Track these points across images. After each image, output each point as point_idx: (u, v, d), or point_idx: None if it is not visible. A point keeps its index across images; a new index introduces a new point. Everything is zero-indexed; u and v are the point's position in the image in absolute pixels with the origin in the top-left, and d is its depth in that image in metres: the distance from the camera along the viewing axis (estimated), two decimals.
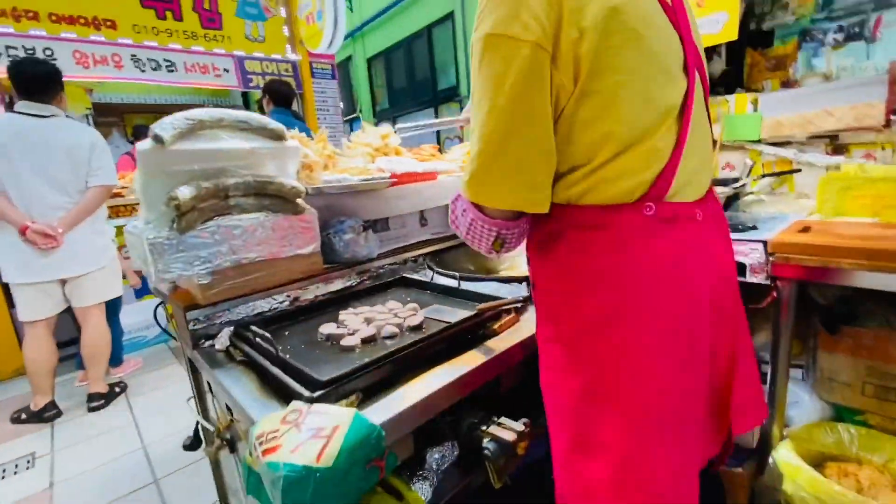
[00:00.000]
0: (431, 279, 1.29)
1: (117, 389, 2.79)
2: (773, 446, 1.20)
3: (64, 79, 2.41)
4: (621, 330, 0.66)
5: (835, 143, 1.40)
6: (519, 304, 0.97)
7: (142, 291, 3.73)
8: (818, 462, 1.21)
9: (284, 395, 0.78)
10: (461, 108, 6.66)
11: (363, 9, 7.78)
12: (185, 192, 0.91)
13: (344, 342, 0.94)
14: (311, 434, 0.64)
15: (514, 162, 0.62)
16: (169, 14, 3.59)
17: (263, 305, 1.23)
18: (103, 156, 2.44)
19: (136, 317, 3.43)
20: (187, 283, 1.03)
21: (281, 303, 1.26)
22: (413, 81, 7.56)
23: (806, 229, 1.16)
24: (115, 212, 3.23)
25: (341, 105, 4.87)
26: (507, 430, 0.78)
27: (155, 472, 2.03)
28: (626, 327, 0.65)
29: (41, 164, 2.27)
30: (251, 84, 4.07)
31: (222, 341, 1.01)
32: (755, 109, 1.58)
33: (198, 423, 1.28)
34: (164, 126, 0.90)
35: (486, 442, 0.79)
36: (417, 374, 0.83)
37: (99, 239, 2.55)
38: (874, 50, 1.39)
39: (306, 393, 0.72)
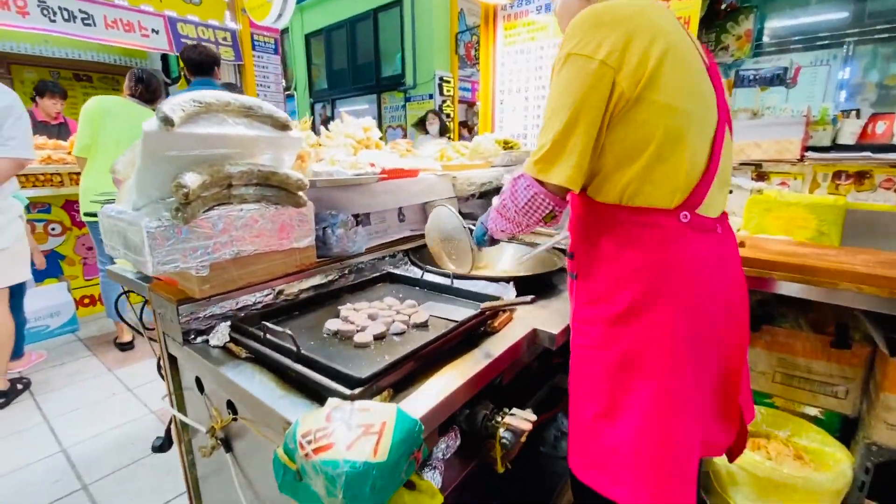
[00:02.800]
0: (421, 276, 1.33)
1: (19, 386, 2.46)
2: None
3: None
4: (656, 314, 0.82)
5: (758, 171, 1.66)
6: (527, 303, 1.03)
7: (42, 275, 3.27)
8: None
9: (313, 393, 0.78)
10: (405, 98, 6.58)
11: None
12: (192, 180, 0.86)
13: (357, 339, 0.95)
14: (361, 431, 0.67)
15: (572, 149, 0.79)
16: None
17: (248, 299, 1.18)
18: (19, 124, 2.11)
19: (37, 303, 3.01)
20: (181, 274, 0.97)
21: (266, 296, 1.21)
22: (355, 64, 7.33)
23: (741, 244, 1.38)
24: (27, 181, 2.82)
25: (283, 82, 4.60)
26: (522, 420, 0.86)
27: (82, 478, 1.83)
28: (660, 312, 0.82)
29: None
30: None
31: (219, 337, 0.97)
32: None
33: (169, 424, 1.20)
34: (173, 107, 0.83)
35: (502, 431, 0.86)
36: (437, 370, 0.88)
37: (1, 216, 2.21)
38: (792, 94, 1.66)
39: (346, 391, 0.73)
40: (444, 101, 6.28)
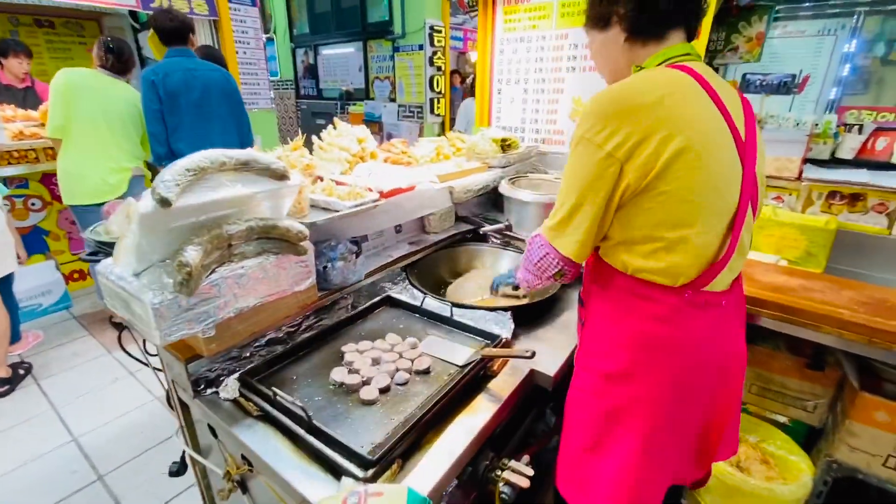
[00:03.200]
0: (421, 303, 1.35)
1: (21, 371, 2.50)
2: None
3: None
4: (649, 378, 0.88)
5: None
6: (527, 357, 1.05)
7: (28, 251, 3.20)
8: None
9: (328, 466, 0.83)
10: (393, 47, 6.22)
11: None
12: (193, 256, 0.85)
13: (363, 395, 0.98)
14: None
15: (577, 226, 0.85)
16: None
17: (253, 342, 1.20)
18: None
19: (27, 282, 2.99)
20: (189, 337, 0.97)
21: (269, 339, 1.23)
22: (338, 8, 6.80)
23: None
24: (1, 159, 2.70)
25: (263, 37, 4.29)
26: (520, 475, 0.93)
27: (97, 468, 1.93)
28: (652, 376, 0.88)
29: None
30: (152, 5, 3.39)
31: (229, 391, 1.00)
32: None
33: (183, 453, 1.26)
34: (167, 185, 0.80)
35: (502, 486, 0.93)
36: (442, 428, 0.93)
37: None
38: (796, 103, 1.62)
39: (360, 473, 0.78)
40: (434, 53, 5.95)
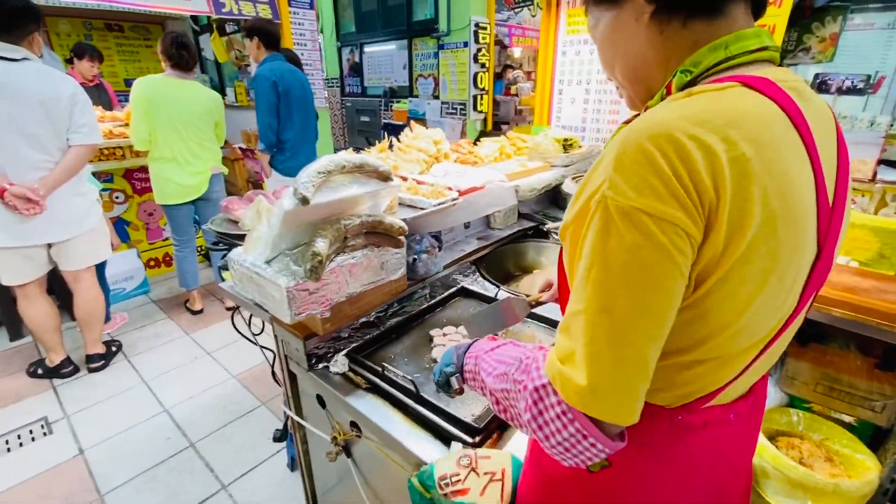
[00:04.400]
0: (496, 295, 1.45)
1: (114, 349, 2.77)
2: None
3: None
4: None
5: None
6: None
7: None
8: (772, 436, 1.61)
9: (435, 432, 0.95)
10: (438, 45, 6.32)
11: None
12: (323, 246, 0.98)
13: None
14: (488, 478, 0.83)
15: (637, 367, 0.47)
16: None
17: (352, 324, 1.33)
18: (86, 111, 2.20)
19: (113, 269, 3.28)
20: (309, 317, 1.12)
21: (364, 322, 1.35)
22: (384, 7, 6.96)
23: None
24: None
25: (319, 38, 4.48)
26: None
27: (188, 436, 2.15)
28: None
29: (15, 117, 2.02)
30: (224, 10, 3.62)
31: (339, 366, 1.14)
32: None
33: (286, 419, 1.42)
34: (306, 185, 0.93)
35: None
36: None
37: (81, 201, 2.37)
38: (871, 103, 1.62)
39: (469, 439, 0.89)
40: (479, 50, 6.01)
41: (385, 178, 1.13)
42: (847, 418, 1.57)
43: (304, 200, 0.92)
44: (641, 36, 0.56)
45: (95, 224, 2.45)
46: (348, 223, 1.07)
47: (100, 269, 2.73)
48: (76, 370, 2.58)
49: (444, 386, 0.79)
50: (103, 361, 2.65)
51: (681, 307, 0.48)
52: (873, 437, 1.53)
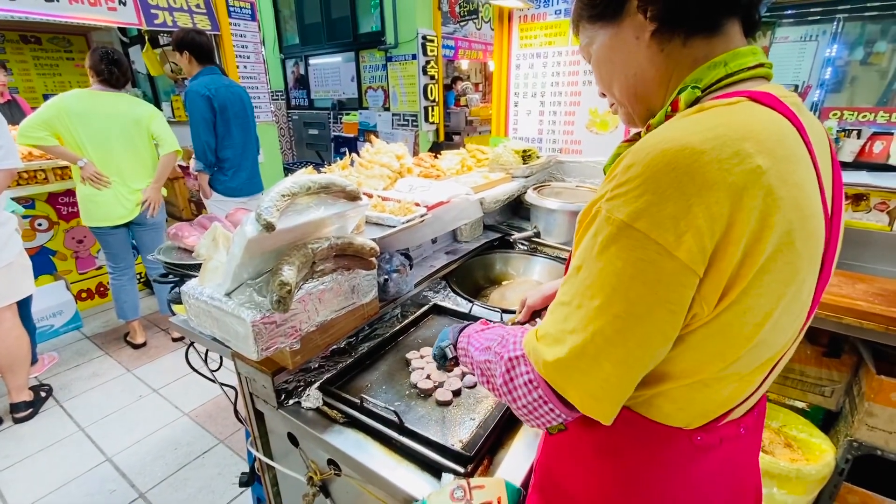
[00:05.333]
0: (470, 311, 1.42)
1: (42, 394, 2.49)
2: None
3: None
4: None
5: None
6: None
7: (35, 272, 3.17)
8: None
9: (423, 464, 0.90)
10: (386, 57, 6.29)
11: None
12: (290, 274, 0.91)
13: (439, 397, 1.06)
14: None
15: (610, 375, 0.50)
16: None
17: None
18: (1, 132, 1.98)
19: (38, 303, 2.94)
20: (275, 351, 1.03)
21: (333, 350, 1.28)
22: (329, 19, 6.86)
23: None
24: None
25: (262, 51, 4.32)
26: None
27: (137, 486, 1.95)
28: None
29: None
30: (156, 21, 3.40)
31: (311, 400, 1.06)
32: None
33: (254, 460, 1.31)
34: (269, 210, 0.86)
35: None
36: (518, 426, 1.01)
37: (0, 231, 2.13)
38: (778, 71, 1.75)
39: (460, 469, 0.85)
40: (427, 62, 6.05)
41: (353, 197, 1.07)
42: (800, 404, 1.67)
43: (269, 227, 0.85)
44: (642, 54, 0.57)
45: (14, 257, 2.20)
46: (316, 247, 1.01)
47: (23, 306, 2.45)
48: None
49: (441, 359, 0.89)
50: (31, 409, 2.36)
51: (702, 322, 0.48)
52: (825, 421, 1.64)
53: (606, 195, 0.49)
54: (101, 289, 3.57)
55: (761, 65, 0.54)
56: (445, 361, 0.88)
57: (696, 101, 0.53)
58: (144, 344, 3.00)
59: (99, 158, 2.52)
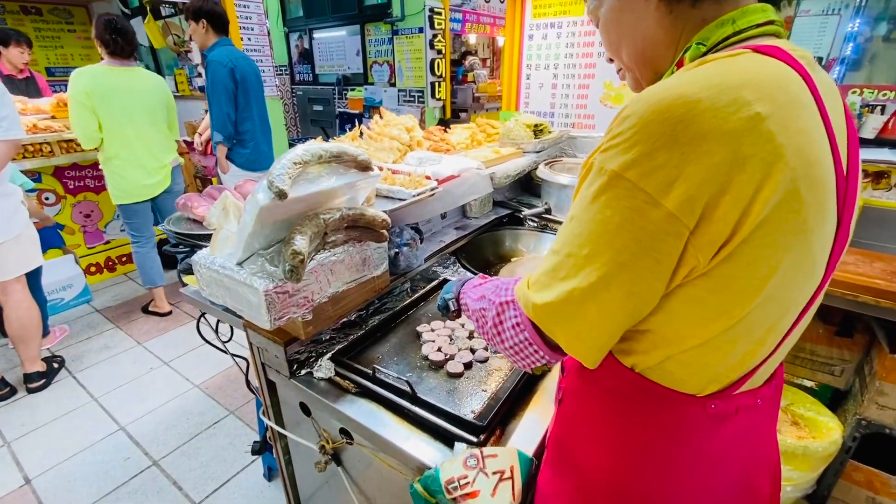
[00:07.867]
0: None
1: (55, 365, 2.53)
2: None
3: None
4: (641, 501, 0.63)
5: None
6: None
7: (44, 246, 3.18)
8: None
9: (436, 433, 0.90)
10: (392, 31, 6.15)
11: None
12: (303, 244, 0.90)
13: (450, 369, 1.06)
14: (497, 477, 0.80)
15: (596, 321, 0.52)
16: None
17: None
18: (3, 103, 1.95)
19: (48, 277, 2.96)
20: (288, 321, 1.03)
21: (345, 322, 1.28)
22: None
23: None
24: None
25: (266, 23, 4.23)
26: None
27: (150, 454, 1.99)
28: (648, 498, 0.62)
29: None
30: None
31: (324, 371, 1.06)
32: None
33: (266, 430, 1.33)
34: (282, 178, 0.85)
35: None
36: (529, 398, 1.01)
37: (6, 204, 2.12)
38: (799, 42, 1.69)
39: (473, 438, 0.85)
40: (434, 36, 5.90)
41: (364, 168, 1.05)
42: (808, 383, 1.67)
43: (282, 194, 0.84)
44: (651, 16, 0.57)
45: (22, 229, 2.20)
46: (328, 217, 0.99)
47: (33, 278, 2.46)
48: (13, 392, 2.33)
49: (444, 309, 0.92)
50: (44, 380, 2.41)
51: (701, 272, 0.47)
52: (832, 399, 1.64)
53: (602, 146, 0.50)
54: (110, 263, 3.59)
55: (771, 22, 0.52)
56: (448, 312, 0.93)
57: (703, 57, 0.52)
58: (170, 313, 3.04)
59: (118, 136, 2.51)
